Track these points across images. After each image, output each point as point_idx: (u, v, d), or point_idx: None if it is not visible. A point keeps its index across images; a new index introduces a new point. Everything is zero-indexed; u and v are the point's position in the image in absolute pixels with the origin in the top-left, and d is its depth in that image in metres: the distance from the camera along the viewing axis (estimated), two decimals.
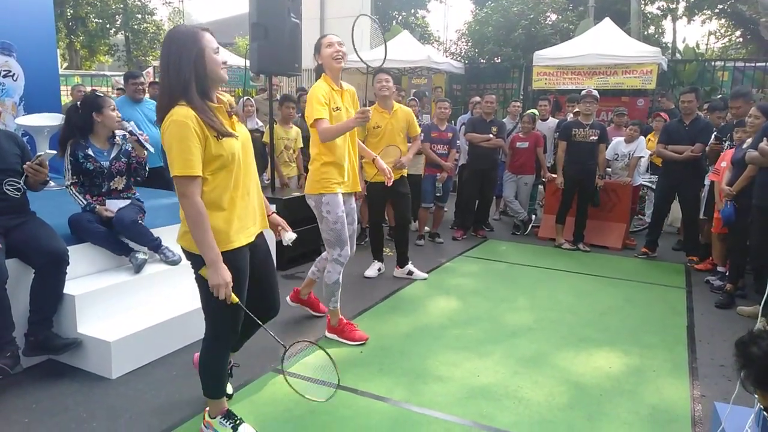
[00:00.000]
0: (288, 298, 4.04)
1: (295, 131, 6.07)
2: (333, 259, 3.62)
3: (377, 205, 4.97)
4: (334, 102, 3.45)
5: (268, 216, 2.60)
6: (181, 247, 2.33)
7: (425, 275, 5.06)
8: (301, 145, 6.07)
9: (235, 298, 2.24)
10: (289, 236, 2.74)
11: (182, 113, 2.09)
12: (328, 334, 3.77)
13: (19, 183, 3.00)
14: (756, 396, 1.53)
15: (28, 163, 2.99)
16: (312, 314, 4.09)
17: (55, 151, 3.21)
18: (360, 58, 3.40)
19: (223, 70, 2.21)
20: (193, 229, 2.13)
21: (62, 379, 3.01)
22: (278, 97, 7.32)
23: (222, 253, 2.19)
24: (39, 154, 3.05)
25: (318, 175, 3.50)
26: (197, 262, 2.25)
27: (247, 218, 2.35)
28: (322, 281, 3.74)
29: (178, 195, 2.13)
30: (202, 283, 2.27)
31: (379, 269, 5.15)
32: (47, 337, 2.98)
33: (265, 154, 6.08)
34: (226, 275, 2.18)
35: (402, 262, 5.06)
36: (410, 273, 5.04)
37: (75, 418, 2.67)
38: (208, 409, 2.56)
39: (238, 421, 2.52)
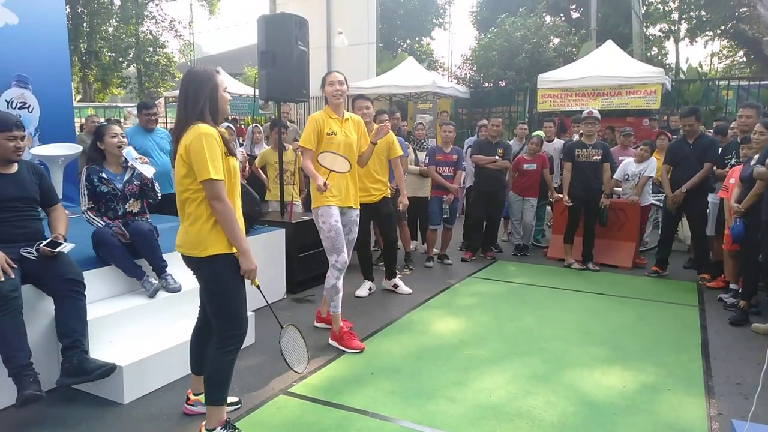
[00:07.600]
0: (315, 322, 4.28)
1: (291, 153, 6.16)
2: (331, 265, 3.88)
3: (361, 225, 5.03)
4: (329, 127, 3.86)
5: None
6: (184, 256, 2.52)
7: (409, 290, 5.25)
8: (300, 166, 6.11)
9: (256, 281, 2.54)
10: None
11: (209, 127, 2.41)
12: (330, 342, 3.90)
13: (32, 251, 3.03)
14: None
15: (42, 248, 3.02)
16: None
17: (74, 244, 3.20)
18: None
19: (228, 106, 2.60)
20: (230, 226, 2.42)
21: (74, 404, 3.02)
22: (287, 123, 7.41)
23: (232, 254, 2.48)
24: (62, 248, 3.07)
25: (313, 192, 3.84)
26: (201, 265, 2.48)
27: (241, 225, 2.57)
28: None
29: (211, 198, 2.39)
30: (211, 282, 2.52)
31: (370, 288, 5.23)
32: (82, 360, 2.93)
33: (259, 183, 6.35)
34: (254, 262, 2.50)
35: (389, 276, 5.30)
36: (396, 286, 5.27)
37: None
38: (204, 423, 2.60)
39: (236, 431, 2.60)
